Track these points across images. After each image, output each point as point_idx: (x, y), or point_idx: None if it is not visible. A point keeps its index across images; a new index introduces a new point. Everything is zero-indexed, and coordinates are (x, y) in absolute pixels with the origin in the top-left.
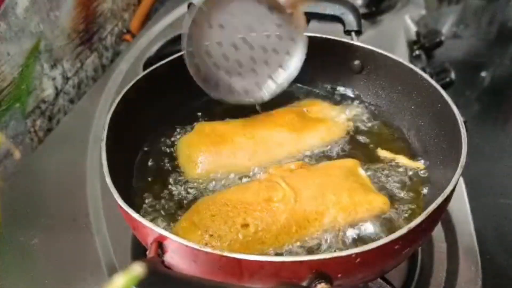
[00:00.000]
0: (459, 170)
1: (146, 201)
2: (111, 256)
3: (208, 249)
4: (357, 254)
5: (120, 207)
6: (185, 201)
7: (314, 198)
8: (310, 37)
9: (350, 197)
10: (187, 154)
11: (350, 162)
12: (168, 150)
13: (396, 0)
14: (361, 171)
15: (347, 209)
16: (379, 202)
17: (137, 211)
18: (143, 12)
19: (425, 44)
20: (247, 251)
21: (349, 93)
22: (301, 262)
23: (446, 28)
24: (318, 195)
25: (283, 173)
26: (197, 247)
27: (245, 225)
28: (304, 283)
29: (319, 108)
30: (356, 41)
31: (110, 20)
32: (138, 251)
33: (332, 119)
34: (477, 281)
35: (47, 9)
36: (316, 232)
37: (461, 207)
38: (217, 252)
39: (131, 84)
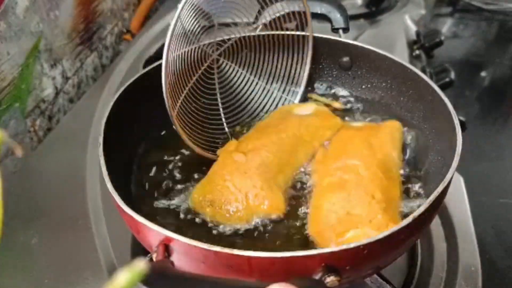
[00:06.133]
0: (456, 158)
1: (147, 203)
2: (111, 256)
3: (218, 248)
4: (364, 246)
5: (123, 211)
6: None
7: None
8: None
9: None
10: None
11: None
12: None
13: (396, 0)
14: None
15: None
16: (395, 124)
17: (139, 213)
18: (143, 12)
19: (425, 44)
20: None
21: (341, 90)
22: (311, 256)
23: (446, 28)
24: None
25: None
26: (205, 247)
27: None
28: (316, 277)
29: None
30: (343, 38)
31: (110, 19)
32: (138, 251)
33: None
34: (477, 281)
35: (47, 8)
36: None
37: (461, 207)
38: (227, 251)
39: (124, 86)
